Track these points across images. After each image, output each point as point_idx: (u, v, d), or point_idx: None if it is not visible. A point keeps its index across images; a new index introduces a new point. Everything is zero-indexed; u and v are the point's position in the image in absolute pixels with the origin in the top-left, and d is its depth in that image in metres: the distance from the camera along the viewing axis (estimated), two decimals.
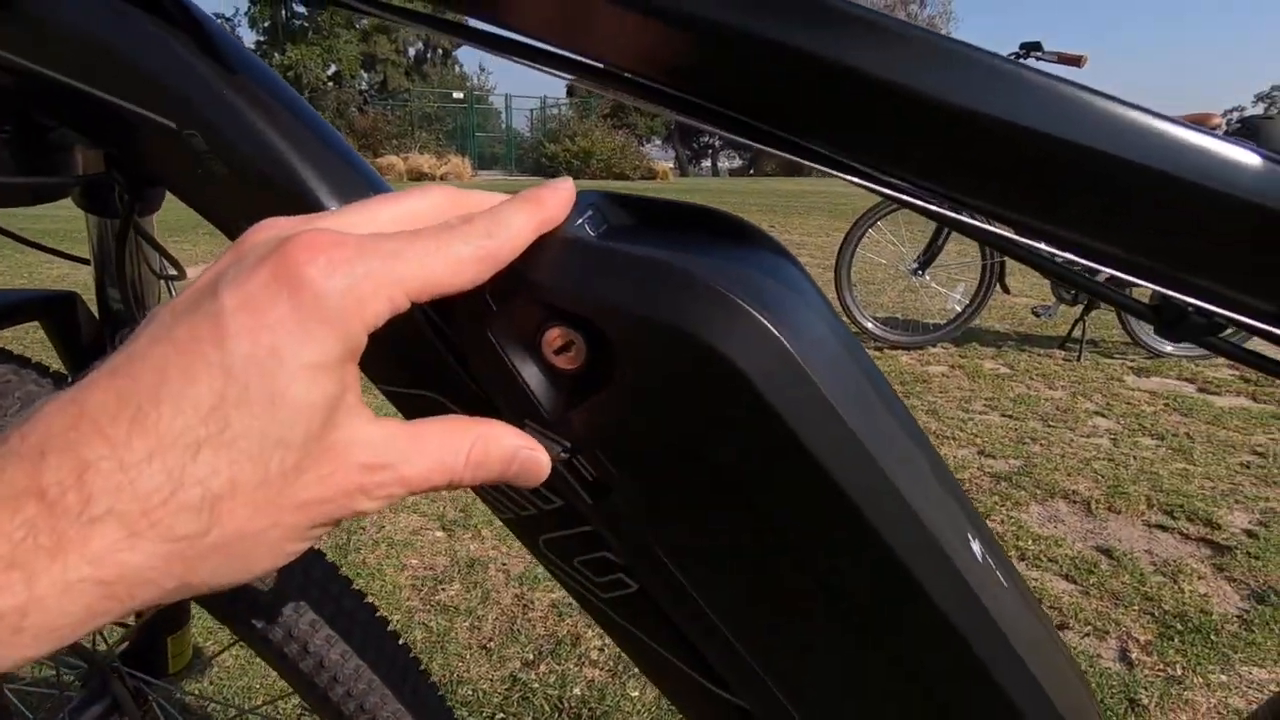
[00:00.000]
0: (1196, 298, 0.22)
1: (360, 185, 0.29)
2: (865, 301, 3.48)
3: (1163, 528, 1.52)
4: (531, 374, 0.22)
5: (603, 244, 0.22)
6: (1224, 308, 0.22)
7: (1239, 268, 0.22)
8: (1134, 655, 1.13)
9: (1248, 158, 0.21)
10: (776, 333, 0.21)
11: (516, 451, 0.20)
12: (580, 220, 0.24)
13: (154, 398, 0.15)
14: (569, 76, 0.27)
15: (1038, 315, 2.83)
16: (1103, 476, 1.73)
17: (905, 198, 0.24)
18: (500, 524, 0.51)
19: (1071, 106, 0.21)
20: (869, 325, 2.82)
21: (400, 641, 0.43)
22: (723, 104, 0.24)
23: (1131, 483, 1.70)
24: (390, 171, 16.36)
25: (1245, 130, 2.38)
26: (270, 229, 0.18)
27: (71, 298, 0.39)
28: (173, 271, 0.39)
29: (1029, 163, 0.22)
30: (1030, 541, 1.44)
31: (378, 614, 0.42)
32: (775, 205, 10.13)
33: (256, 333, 0.15)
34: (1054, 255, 0.24)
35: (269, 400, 0.15)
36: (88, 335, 0.39)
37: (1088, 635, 1.17)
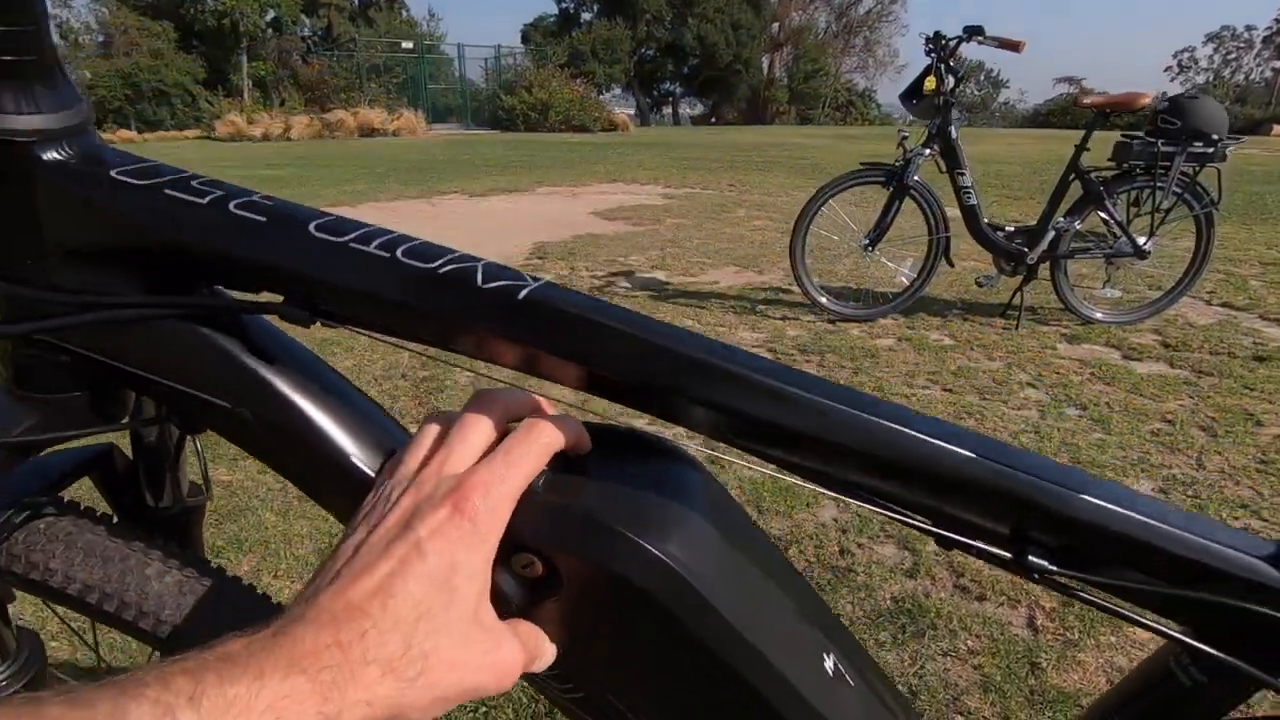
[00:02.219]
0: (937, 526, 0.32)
1: (379, 432, 0.37)
2: (820, 274, 3.59)
3: None
4: (506, 581, 0.31)
5: (544, 498, 0.30)
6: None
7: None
8: (1039, 622, 1.29)
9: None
10: (663, 557, 0.30)
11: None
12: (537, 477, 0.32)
13: (390, 592, 0.25)
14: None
15: (980, 285, 2.97)
16: (1029, 448, 1.89)
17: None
18: None
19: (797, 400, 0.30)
20: (823, 300, 2.94)
21: None
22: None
23: (1054, 454, 1.86)
24: (340, 128, 15.72)
25: (1172, 109, 2.50)
26: (437, 473, 0.29)
27: (109, 450, 0.45)
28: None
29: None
30: None
31: None
32: (737, 161, 10.10)
33: (443, 553, 0.26)
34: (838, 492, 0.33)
35: (451, 593, 0.26)
36: (124, 477, 0.46)
37: (1002, 605, 1.33)
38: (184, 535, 0.47)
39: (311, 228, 0.30)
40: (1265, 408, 2.13)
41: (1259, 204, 5.81)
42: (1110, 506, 0.29)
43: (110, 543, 0.43)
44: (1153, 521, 0.29)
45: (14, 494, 0.38)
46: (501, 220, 5.53)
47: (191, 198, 0.29)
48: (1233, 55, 38.48)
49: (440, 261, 0.31)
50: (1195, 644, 0.31)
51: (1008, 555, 0.31)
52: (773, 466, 0.33)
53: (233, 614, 0.44)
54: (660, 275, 3.77)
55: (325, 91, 17.41)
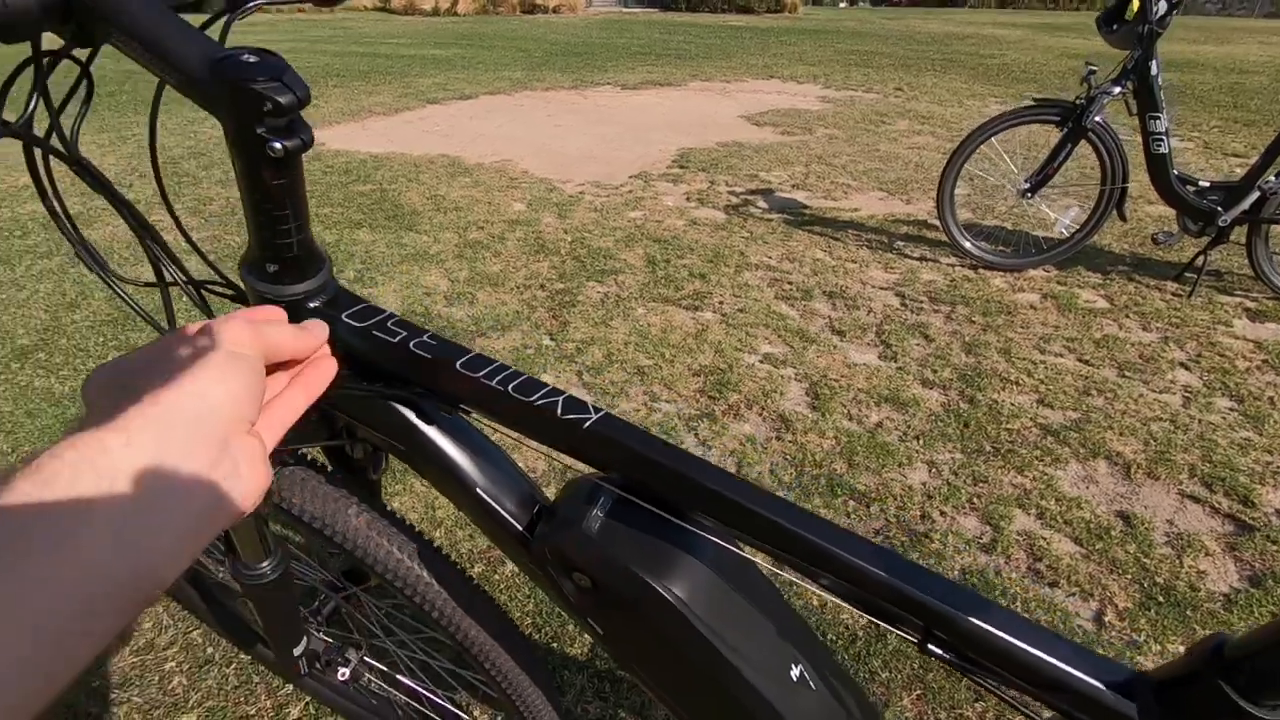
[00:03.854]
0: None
1: (521, 492, 0.53)
2: (971, 208, 3.35)
3: (1195, 499, 1.62)
4: (568, 586, 0.46)
5: (597, 539, 0.44)
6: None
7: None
8: (1107, 618, 1.32)
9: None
10: (663, 592, 0.44)
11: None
12: (594, 509, 0.46)
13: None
14: None
15: (1158, 242, 2.67)
16: (1155, 440, 1.80)
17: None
18: None
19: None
20: (967, 244, 2.78)
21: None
22: None
23: (1183, 450, 1.76)
24: (503, 3, 15.76)
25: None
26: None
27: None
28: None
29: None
30: (1053, 501, 1.59)
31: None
32: (911, 57, 9.14)
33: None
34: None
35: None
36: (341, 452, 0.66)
37: (1073, 595, 1.37)
38: (372, 491, 0.67)
39: (457, 364, 0.44)
40: None
41: None
42: (989, 628, 0.39)
43: (328, 488, 0.63)
44: (1026, 646, 0.38)
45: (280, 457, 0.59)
46: (650, 118, 5.49)
47: (388, 337, 0.44)
48: None
49: (536, 397, 0.44)
50: None
51: (914, 639, 0.41)
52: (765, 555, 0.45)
53: (401, 543, 0.64)
54: (800, 196, 3.68)
55: None
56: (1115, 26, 2.39)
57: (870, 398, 1.96)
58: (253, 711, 1.11)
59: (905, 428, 1.84)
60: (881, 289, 2.64)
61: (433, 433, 0.49)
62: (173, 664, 1.18)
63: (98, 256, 0.47)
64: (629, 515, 0.46)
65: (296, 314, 0.43)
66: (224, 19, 0.45)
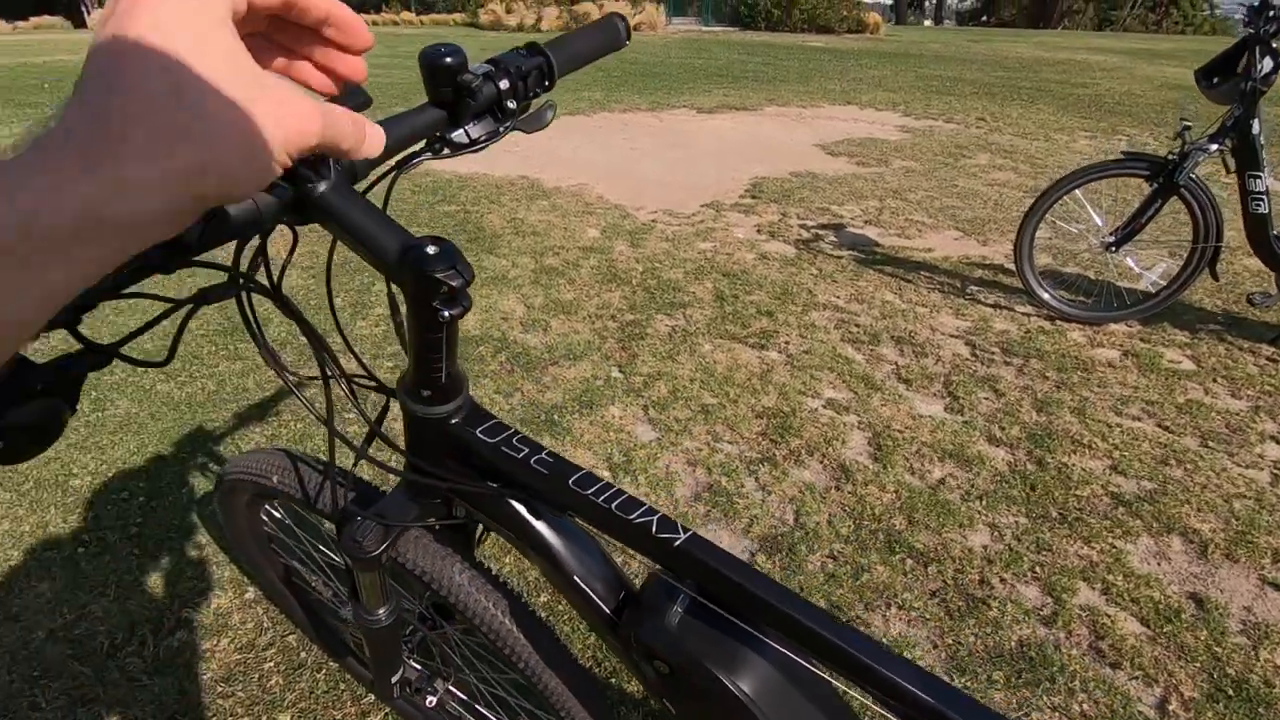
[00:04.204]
0: None
1: (609, 579, 0.60)
2: (1050, 253, 3.27)
3: (1277, 587, 1.56)
4: (647, 670, 0.53)
5: (675, 630, 0.51)
6: None
7: None
8: (1171, 707, 1.29)
9: None
10: (730, 686, 0.50)
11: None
12: (674, 606, 0.53)
13: None
14: None
15: (1254, 303, 2.55)
16: (1237, 518, 1.74)
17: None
18: None
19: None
20: (1045, 295, 2.73)
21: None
22: None
23: (1267, 532, 1.70)
24: (585, 20, 16.21)
25: None
26: None
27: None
28: None
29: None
30: (1121, 577, 1.56)
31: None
32: (997, 84, 8.91)
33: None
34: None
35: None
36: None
37: (1135, 679, 1.34)
38: (470, 548, 0.75)
39: (569, 481, 0.51)
40: None
41: None
42: None
43: (437, 546, 0.72)
44: None
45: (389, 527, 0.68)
46: (724, 143, 5.56)
47: (513, 452, 0.52)
48: None
49: (634, 515, 0.51)
50: None
51: None
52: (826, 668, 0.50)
53: (495, 599, 0.72)
54: (872, 233, 3.67)
55: None
56: (1216, 81, 2.32)
57: (934, 452, 1.96)
58: (339, 716, 1.22)
59: (969, 486, 1.84)
60: (952, 336, 2.61)
61: (541, 527, 0.57)
62: (271, 664, 1.31)
63: (278, 358, 0.57)
64: (706, 614, 0.52)
65: (441, 428, 0.52)
66: (390, 175, 0.54)
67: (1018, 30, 19.65)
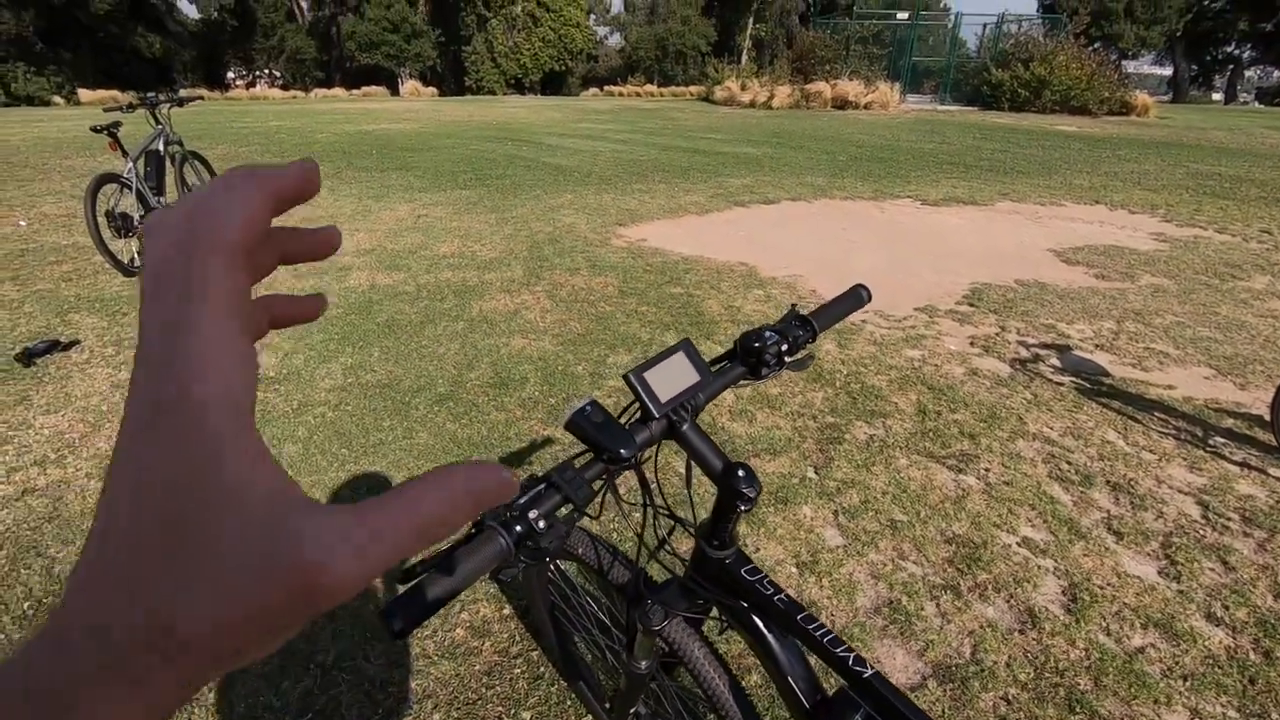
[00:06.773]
0: None
1: (809, 680, 0.87)
2: None
3: None
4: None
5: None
6: None
7: None
8: None
9: None
10: None
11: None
12: (856, 715, 0.77)
13: None
14: None
15: None
16: None
17: None
18: None
19: None
20: None
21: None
22: None
23: None
24: (816, 98, 16.65)
25: None
26: None
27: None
28: None
29: None
30: None
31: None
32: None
33: None
34: None
35: None
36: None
37: None
38: (699, 627, 1.05)
39: (798, 617, 0.79)
40: None
41: None
42: None
43: (683, 624, 1.02)
44: None
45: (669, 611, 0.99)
46: (947, 243, 5.52)
47: (763, 589, 0.81)
48: None
49: (839, 650, 0.76)
50: None
51: None
52: None
53: (720, 673, 1.01)
54: (1102, 359, 3.50)
55: (811, 63, 18.42)
56: None
57: (1137, 617, 1.91)
58: None
59: (1172, 663, 1.78)
60: (1181, 492, 2.46)
61: (767, 633, 0.85)
62: (519, 670, 1.71)
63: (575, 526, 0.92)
64: None
65: (720, 564, 0.83)
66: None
67: None
